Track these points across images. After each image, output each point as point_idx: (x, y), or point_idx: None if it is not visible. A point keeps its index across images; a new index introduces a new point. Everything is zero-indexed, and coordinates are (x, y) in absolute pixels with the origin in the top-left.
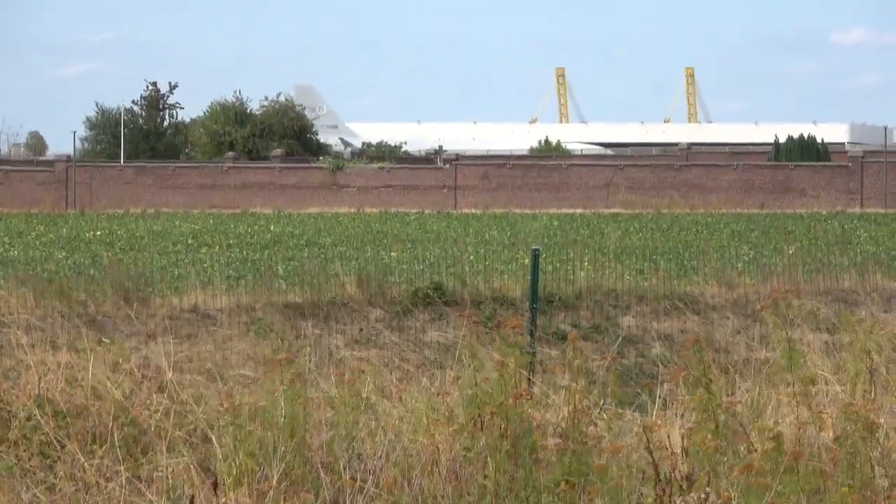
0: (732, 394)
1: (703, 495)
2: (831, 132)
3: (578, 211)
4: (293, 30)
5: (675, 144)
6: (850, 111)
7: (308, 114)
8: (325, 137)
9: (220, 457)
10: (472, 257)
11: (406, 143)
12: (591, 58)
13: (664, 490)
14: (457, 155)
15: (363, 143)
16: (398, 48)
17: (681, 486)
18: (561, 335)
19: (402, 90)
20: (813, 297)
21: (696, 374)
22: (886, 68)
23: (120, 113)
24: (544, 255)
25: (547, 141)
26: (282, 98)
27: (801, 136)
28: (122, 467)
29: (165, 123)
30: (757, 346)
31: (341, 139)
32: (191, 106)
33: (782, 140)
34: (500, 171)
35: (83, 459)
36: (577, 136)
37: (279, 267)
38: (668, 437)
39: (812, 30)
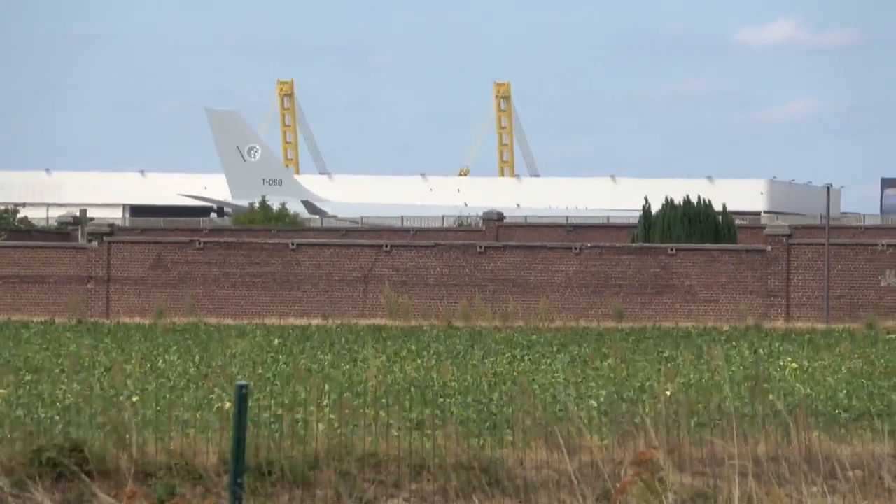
0: None
1: None
2: (738, 194)
3: (315, 322)
4: None
5: (479, 213)
6: (767, 160)
7: (234, 158)
8: (269, 199)
9: None
10: (135, 399)
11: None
12: (326, 64)
13: None
14: (111, 226)
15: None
16: None
17: None
18: None
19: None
20: (705, 469)
21: None
22: (824, 86)
23: None
24: (258, 396)
25: (262, 203)
26: None
27: (688, 200)
28: None
29: None
30: None
31: (306, 204)
32: None
33: (656, 206)
34: (184, 252)
35: None
36: (309, 194)
37: None
38: None
39: (706, 25)
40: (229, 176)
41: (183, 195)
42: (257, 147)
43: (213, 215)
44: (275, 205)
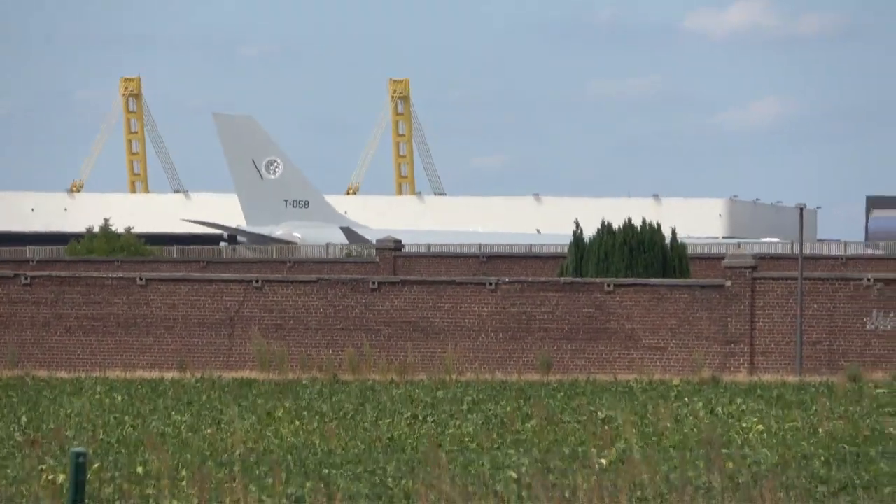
0: None
1: None
2: (691, 216)
3: (169, 374)
4: None
5: (371, 240)
6: (727, 176)
7: (249, 174)
8: (290, 226)
9: None
10: None
11: None
12: (182, 58)
13: None
14: None
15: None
16: None
17: None
18: None
19: None
20: None
21: None
22: (797, 85)
23: None
24: (98, 466)
25: (106, 229)
26: None
27: (629, 224)
28: None
29: None
30: None
31: (346, 231)
32: None
33: (590, 231)
34: (6, 289)
35: None
36: (161, 214)
37: None
38: None
39: (651, 10)
40: (243, 197)
41: (187, 220)
42: (278, 161)
43: (224, 244)
44: (275, 232)
